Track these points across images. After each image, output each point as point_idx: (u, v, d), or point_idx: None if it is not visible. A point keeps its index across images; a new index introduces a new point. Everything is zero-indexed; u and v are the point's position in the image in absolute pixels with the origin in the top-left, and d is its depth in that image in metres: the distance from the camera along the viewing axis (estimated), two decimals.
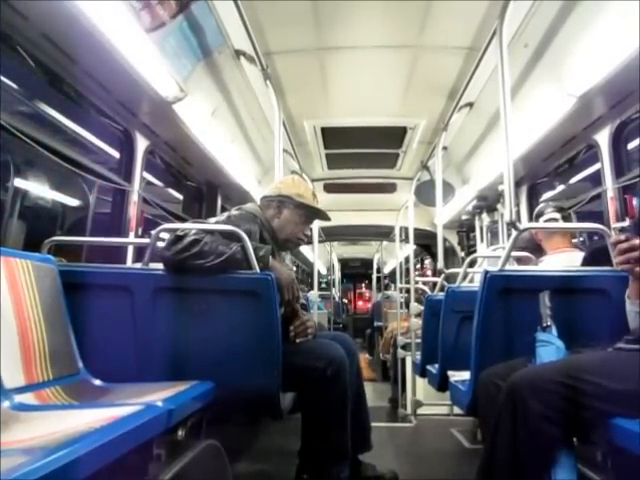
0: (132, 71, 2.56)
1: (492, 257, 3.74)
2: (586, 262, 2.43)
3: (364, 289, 19.99)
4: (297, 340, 2.34)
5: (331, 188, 6.26)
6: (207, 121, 3.60)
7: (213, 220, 2.37)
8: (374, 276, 11.91)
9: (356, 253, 14.60)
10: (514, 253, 2.60)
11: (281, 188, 2.55)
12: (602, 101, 2.90)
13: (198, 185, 4.65)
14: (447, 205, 5.25)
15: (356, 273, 18.06)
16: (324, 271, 14.62)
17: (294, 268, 13.97)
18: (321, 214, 2.60)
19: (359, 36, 3.25)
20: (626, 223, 1.65)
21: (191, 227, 2.10)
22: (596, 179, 3.42)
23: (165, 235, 2.15)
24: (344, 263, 15.72)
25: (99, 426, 1.16)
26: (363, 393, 2.64)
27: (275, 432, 3.58)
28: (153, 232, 2.17)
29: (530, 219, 4.14)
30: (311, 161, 5.55)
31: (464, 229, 6.60)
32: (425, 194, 4.93)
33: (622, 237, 1.59)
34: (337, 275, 14.05)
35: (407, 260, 6.01)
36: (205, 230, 2.10)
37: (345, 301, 17.90)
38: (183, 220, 4.26)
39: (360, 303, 20.17)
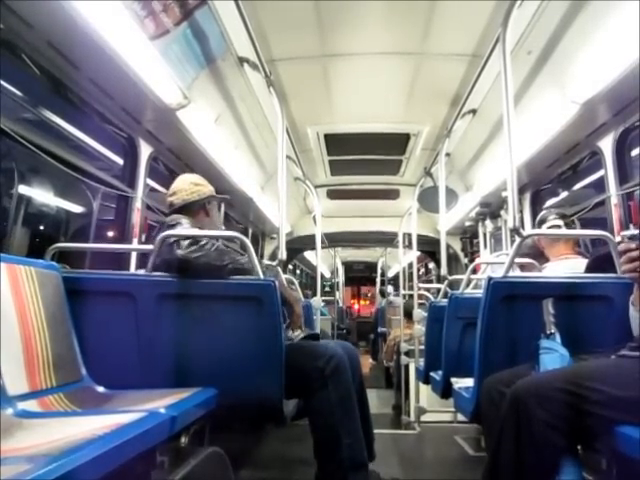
0: (136, 78, 2.56)
1: (495, 263, 3.73)
2: (589, 269, 2.42)
3: (368, 292, 19.82)
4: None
5: (334, 194, 6.26)
6: (210, 128, 3.60)
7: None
8: (378, 279, 11.88)
9: (360, 256, 14.56)
10: (517, 260, 2.59)
11: (200, 190, 2.63)
12: (605, 108, 2.89)
13: None
14: (450, 211, 5.25)
15: (360, 276, 17.97)
16: (328, 274, 14.59)
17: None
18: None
19: (362, 43, 3.26)
20: (636, 231, 1.64)
21: (195, 233, 2.11)
22: (600, 186, 3.41)
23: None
24: (348, 266, 15.68)
25: (102, 433, 1.16)
26: (366, 401, 2.63)
27: (278, 439, 3.57)
28: (157, 238, 2.17)
29: (533, 226, 4.12)
30: (314, 167, 5.54)
31: (467, 235, 6.59)
32: (428, 200, 4.91)
33: (632, 245, 1.59)
34: (341, 278, 14.02)
35: (410, 266, 6.00)
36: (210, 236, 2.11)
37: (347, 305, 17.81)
38: None
39: (364, 305, 19.95)
